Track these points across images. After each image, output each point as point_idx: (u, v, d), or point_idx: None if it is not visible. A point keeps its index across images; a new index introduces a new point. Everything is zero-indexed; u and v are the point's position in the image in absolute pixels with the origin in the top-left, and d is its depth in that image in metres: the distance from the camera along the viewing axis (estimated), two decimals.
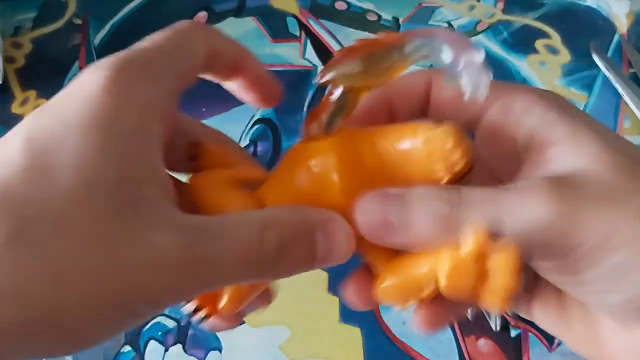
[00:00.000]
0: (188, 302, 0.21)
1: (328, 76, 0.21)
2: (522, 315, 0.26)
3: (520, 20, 0.50)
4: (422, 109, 0.24)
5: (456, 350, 0.35)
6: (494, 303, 0.19)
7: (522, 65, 0.47)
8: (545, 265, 0.20)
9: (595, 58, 0.46)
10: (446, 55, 0.20)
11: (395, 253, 0.22)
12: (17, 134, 0.17)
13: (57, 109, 0.17)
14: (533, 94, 0.22)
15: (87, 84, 0.17)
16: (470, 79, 0.20)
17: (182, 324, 0.36)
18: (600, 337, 0.23)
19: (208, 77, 0.23)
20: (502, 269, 0.18)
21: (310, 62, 0.46)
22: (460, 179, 0.21)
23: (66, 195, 0.16)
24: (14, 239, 0.15)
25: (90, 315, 0.16)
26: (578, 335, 0.24)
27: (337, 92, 0.22)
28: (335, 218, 0.20)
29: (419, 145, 0.20)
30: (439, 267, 0.19)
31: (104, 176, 0.16)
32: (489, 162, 0.23)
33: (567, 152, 0.20)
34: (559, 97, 0.22)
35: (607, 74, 0.45)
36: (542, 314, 0.25)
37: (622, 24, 0.49)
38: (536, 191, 0.19)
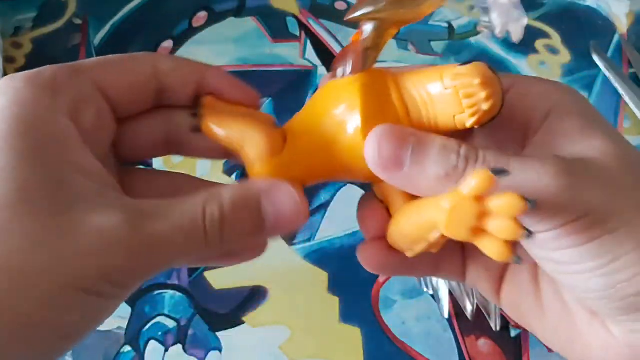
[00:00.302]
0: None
1: (358, 13, 0.21)
2: (491, 299, 0.26)
3: None
4: None
5: (456, 350, 0.35)
6: (494, 248, 0.18)
7: (522, 65, 0.47)
8: (540, 232, 0.20)
9: (595, 58, 0.46)
10: None
11: (410, 197, 0.21)
12: None
13: None
14: (549, 84, 0.23)
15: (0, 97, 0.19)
16: (499, 16, 0.20)
17: (182, 324, 0.36)
18: (575, 330, 0.23)
19: (175, 101, 0.23)
20: (505, 211, 0.18)
21: (310, 62, 0.46)
22: (485, 125, 0.20)
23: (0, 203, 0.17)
24: None
25: (56, 303, 0.17)
26: (551, 327, 0.24)
27: (368, 29, 0.21)
28: (279, 185, 0.21)
29: (447, 81, 0.20)
30: (440, 208, 0.19)
31: (32, 179, 0.18)
32: (498, 144, 0.23)
33: (577, 141, 0.21)
34: (573, 90, 0.23)
35: (607, 74, 0.45)
36: (514, 301, 0.25)
37: (622, 24, 0.49)
38: (549, 163, 0.19)
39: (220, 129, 0.22)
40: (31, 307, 0.17)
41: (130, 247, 0.18)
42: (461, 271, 0.26)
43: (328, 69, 0.46)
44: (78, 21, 0.49)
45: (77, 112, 0.20)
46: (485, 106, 0.19)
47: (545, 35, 0.49)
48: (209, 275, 0.38)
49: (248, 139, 0.22)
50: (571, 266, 0.20)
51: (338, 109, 0.21)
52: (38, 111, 0.19)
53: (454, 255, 0.26)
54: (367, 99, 0.21)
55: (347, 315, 0.35)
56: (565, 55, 0.47)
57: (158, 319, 0.37)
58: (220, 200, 0.20)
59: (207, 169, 0.41)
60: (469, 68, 0.19)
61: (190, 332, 0.36)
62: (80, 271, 0.17)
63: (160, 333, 0.36)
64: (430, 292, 0.36)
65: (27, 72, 0.20)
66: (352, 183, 0.38)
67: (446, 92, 0.20)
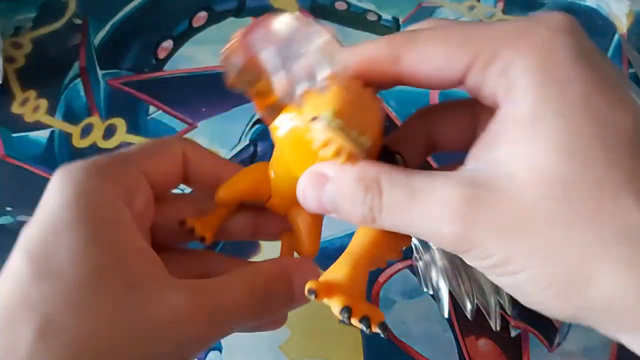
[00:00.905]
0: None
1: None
2: None
3: None
4: None
5: (456, 350, 0.35)
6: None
7: None
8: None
9: None
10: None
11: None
12: (16, 251, 0.20)
13: (43, 217, 0.20)
14: (524, 43, 0.18)
15: (60, 189, 0.21)
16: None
17: None
18: None
19: (190, 186, 0.27)
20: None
21: None
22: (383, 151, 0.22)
23: (75, 284, 0.19)
24: (41, 335, 0.18)
25: None
26: None
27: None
28: (303, 264, 0.24)
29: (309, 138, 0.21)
30: None
31: (102, 261, 0.20)
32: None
33: (520, 144, 0.18)
34: (558, 48, 0.18)
35: None
36: None
37: (622, 24, 0.49)
38: (446, 207, 0.18)
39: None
40: None
41: (198, 321, 0.20)
42: None
43: None
44: (78, 21, 0.49)
45: (130, 198, 0.22)
46: (344, 153, 0.20)
47: None
48: None
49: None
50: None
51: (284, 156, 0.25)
52: (100, 200, 0.21)
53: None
54: (291, 146, 0.23)
55: None
56: None
57: None
58: (262, 276, 0.23)
59: None
60: (315, 129, 0.20)
61: None
62: (159, 344, 0.19)
63: None
64: (430, 292, 0.36)
65: (83, 162, 0.22)
66: None
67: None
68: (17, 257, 0.20)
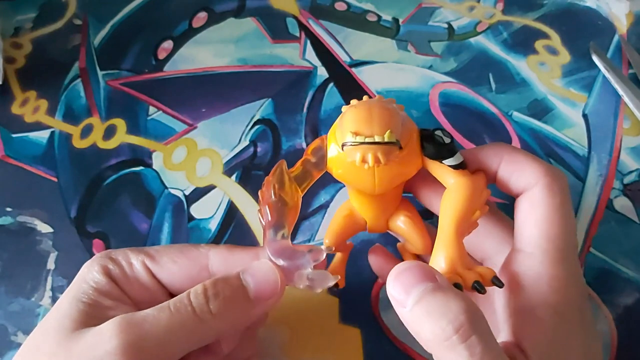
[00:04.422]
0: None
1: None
2: None
3: (520, 20, 0.50)
4: None
5: None
6: None
7: (522, 65, 0.47)
8: None
9: (595, 58, 0.47)
10: None
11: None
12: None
13: None
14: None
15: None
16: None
17: None
18: None
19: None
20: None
21: (310, 63, 0.46)
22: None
23: None
24: None
25: None
26: None
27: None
28: (259, 262, 0.25)
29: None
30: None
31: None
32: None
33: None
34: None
35: (607, 74, 0.45)
36: None
37: (622, 25, 0.49)
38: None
39: None
40: None
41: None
42: None
43: (328, 70, 0.46)
44: (78, 21, 0.49)
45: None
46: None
47: (544, 35, 0.49)
48: None
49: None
50: None
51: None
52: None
53: None
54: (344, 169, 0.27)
55: (347, 315, 0.35)
56: (564, 56, 0.47)
57: None
58: (204, 283, 0.24)
59: (207, 169, 0.41)
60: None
61: None
62: None
63: None
64: None
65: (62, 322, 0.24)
66: None
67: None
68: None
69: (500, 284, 0.23)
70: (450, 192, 0.25)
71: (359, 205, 0.29)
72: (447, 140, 0.25)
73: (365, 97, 0.26)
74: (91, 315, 0.24)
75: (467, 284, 0.23)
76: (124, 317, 0.23)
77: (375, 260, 0.33)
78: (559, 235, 0.25)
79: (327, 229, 0.30)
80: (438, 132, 0.25)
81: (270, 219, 0.26)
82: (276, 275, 0.24)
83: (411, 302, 0.21)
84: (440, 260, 0.24)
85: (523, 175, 0.26)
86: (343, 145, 0.23)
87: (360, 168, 0.24)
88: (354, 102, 0.25)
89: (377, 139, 0.23)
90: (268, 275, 0.24)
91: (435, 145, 0.25)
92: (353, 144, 0.23)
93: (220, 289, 0.23)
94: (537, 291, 0.23)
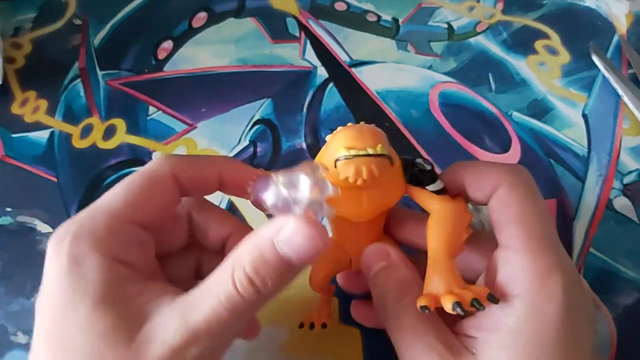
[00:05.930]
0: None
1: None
2: None
3: (519, 20, 0.50)
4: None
5: None
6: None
7: (522, 66, 0.47)
8: None
9: (595, 59, 0.47)
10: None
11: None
12: (35, 332, 0.23)
13: (49, 292, 0.23)
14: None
15: (57, 263, 0.23)
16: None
17: None
18: None
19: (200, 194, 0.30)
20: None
21: (310, 63, 0.46)
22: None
23: (84, 354, 0.22)
24: None
25: None
26: None
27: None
28: (285, 223, 0.23)
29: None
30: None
31: (102, 326, 0.22)
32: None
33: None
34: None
35: (607, 74, 0.46)
36: None
37: (622, 25, 0.49)
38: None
39: None
40: None
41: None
42: None
43: (328, 70, 0.46)
44: (78, 21, 0.49)
45: (124, 255, 0.25)
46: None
47: (544, 35, 0.49)
48: None
49: None
50: None
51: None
52: (93, 266, 0.24)
53: None
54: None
55: (347, 315, 0.35)
56: (564, 56, 0.47)
57: None
58: (242, 264, 0.23)
59: None
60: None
61: None
62: None
63: None
64: None
65: (74, 229, 0.24)
66: None
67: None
68: (38, 340, 0.23)
69: (495, 301, 0.24)
70: (437, 218, 0.26)
71: (343, 237, 0.29)
72: (428, 167, 0.26)
73: (349, 124, 0.27)
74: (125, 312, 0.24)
75: (466, 303, 0.23)
76: (184, 331, 0.23)
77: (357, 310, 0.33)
78: (535, 225, 0.25)
79: (311, 271, 0.31)
80: (419, 160, 0.27)
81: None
82: (311, 231, 0.22)
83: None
84: (436, 283, 0.25)
85: (486, 181, 0.26)
86: (336, 161, 0.24)
87: (350, 192, 0.25)
88: (339, 129, 0.26)
89: (370, 151, 0.24)
90: (303, 236, 0.22)
91: (417, 172, 0.26)
92: (347, 157, 0.24)
93: (265, 274, 0.22)
94: (524, 283, 0.24)
